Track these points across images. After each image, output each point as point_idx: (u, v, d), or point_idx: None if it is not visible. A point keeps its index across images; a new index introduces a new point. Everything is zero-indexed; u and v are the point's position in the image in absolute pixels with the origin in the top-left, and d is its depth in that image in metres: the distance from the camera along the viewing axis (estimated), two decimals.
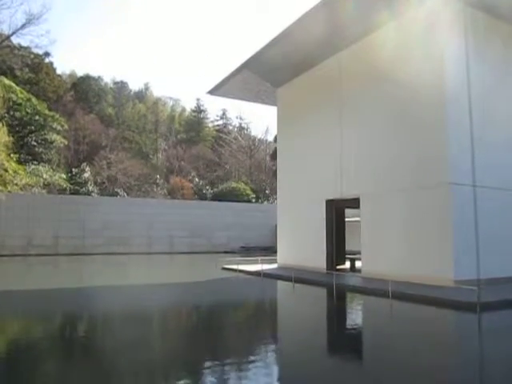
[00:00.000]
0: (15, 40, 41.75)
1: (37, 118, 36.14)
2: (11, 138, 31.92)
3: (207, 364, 5.49)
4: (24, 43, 43.72)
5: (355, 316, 9.52)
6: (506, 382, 4.71)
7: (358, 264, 15.21)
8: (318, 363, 5.46)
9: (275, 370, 5.34)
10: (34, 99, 36.80)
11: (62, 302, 10.28)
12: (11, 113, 34.61)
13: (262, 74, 17.93)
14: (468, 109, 11.90)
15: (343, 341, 6.92)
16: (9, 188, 29.50)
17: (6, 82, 34.58)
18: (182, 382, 4.81)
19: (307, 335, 7.02)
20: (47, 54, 49.49)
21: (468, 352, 6.13)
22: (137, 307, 9.71)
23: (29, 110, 35.71)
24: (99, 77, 59.61)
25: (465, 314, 8.61)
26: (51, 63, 50.62)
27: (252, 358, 5.80)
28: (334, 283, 11.60)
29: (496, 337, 6.97)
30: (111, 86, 63.62)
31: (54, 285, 13.64)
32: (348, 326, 8.40)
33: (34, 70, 46.75)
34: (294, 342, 6.63)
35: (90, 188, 39.15)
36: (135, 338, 6.81)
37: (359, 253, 14.39)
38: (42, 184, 33.35)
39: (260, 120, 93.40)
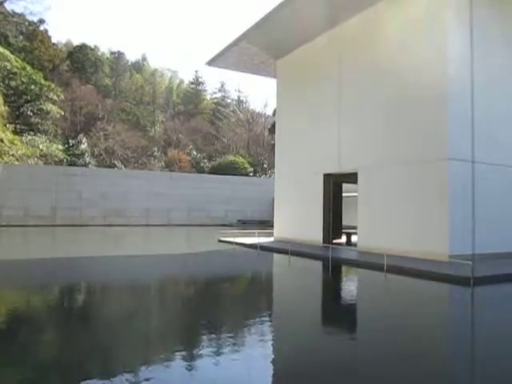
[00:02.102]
0: (9, 6, 40.84)
1: (32, 87, 35.48)
2: (6, 108, 31.57)
3: (208, 330, 5.57)
4: (18, 10, 42.73)
5: (350, 287, 9.63)
6: (492, 346, 4.83)
7: (354, 238, 15.32)
8: (310, 332, 5.56)
9: (275, 333, 5.43)
10: (29, 68, 36.08)
11: (60, 272, 10.35)
12: (6, 82, 34.03)
13: (262, 45, 17.57)
14: (470, 85, 11.72)
15: (337, 310, 7.03)
16: (5, 159, 29.36)
17: (1, 49, 33.86)
18: (177, 349, 4.87)
19: (302, 305, 7.10)
20: (42, 22, 48.40)
21: (459, 321, 6.24)
22: (136, 276, 9.79)
23: (24, 79, 35.03)
24: (96, 46, 58.42)
25: (459, 287, 8.72)
26: (46, 31, 49.46)
27: (248, 326, 5.88)
28: (330, 256, 11.70)
29: (488, 309, 7.13)
30: (108, 56, 62.39)
31: (52, 254, 13.73)
32: (342, 297, 8.51)
33: (28, 38, 45.74)
34: (289, 311, 6.71)
35: (87, 159, 39.00)
36: (136, 306, 6.88)
37: (355, 228, 14.47)
38: (38, 155, 33.15)
39: (259, 93, 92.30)
